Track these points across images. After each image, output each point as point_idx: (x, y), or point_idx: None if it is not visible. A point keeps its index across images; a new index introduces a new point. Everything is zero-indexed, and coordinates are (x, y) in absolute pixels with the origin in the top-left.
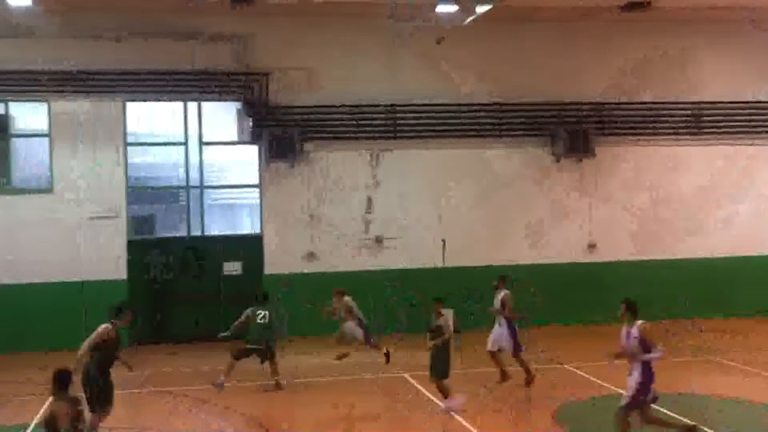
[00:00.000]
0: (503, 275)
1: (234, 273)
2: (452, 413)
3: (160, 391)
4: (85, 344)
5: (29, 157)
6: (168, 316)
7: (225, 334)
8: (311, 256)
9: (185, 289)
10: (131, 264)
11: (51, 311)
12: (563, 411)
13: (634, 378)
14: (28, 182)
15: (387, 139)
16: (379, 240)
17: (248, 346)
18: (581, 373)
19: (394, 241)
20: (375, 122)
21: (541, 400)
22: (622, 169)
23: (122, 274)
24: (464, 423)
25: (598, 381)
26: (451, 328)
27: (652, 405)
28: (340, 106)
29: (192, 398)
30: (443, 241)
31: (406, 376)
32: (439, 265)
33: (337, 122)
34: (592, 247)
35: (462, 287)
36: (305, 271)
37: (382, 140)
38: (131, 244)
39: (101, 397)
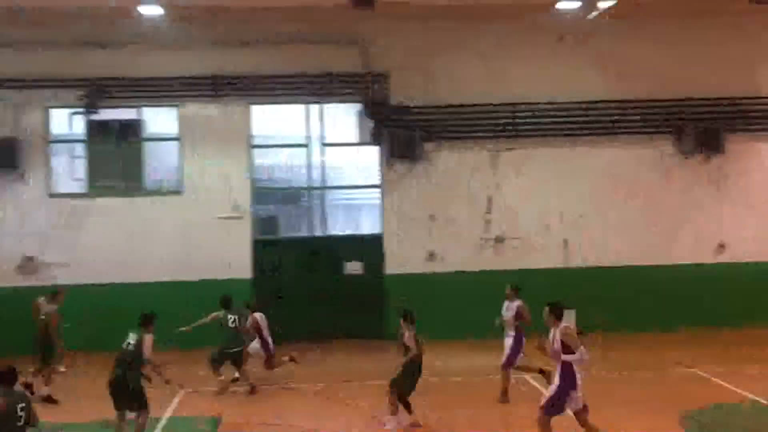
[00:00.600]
0: (516, 287)
1: (355, 273)
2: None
3: (287, 389)
4: None
5: (160, 161)
6: (291, 315)
7: (184, 329)
8: (431, 256)
9: (308, 289)
10: (256, 263)
11: (181, 310)
12: (691, 416)
13: (554, 381)
14: (159, 185)
15: (507, 138)
16: (499, 240)
17: (225, 350)
18: (715, 379)
19: (515, 241)
20: (495, 121)
21: (669, 404)
22: (753, 167)
23: (248, 273)
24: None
25: (731, 387)
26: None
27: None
28: (460, 106)
29: (316, 395)
30: (565, 241)
31: (527, 377)
32: (561, 265)
33: (458, 122)
34: (721, 247)
35: (584, 288)
36: (425, 271)
37: (502, 139)
38: (256, 244)
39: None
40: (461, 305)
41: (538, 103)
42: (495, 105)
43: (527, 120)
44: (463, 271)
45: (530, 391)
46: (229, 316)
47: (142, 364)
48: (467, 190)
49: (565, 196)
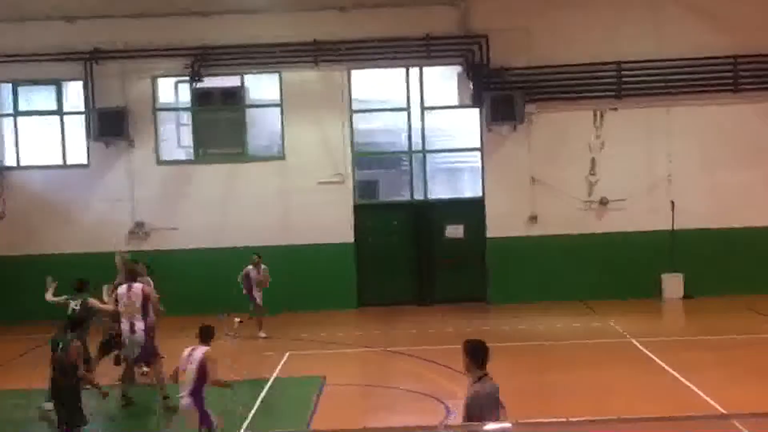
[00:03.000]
0: None
1: (456, 237)
2: None
3: (391, 351)
4: None
5: (262, 127)
6: (393, 279)
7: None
8: (533, 219)
9: (409, 253)
10: (357, 228)
11: (283, 274)
12: None
13: None
14: (261, 150)
15: (611, 98)
16: (603, 202)
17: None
18: None
19: (620, 203)
20: (599, 81)
21: None
22: None
23: (349, 237)
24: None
25: None
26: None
27: None
28: (562, 66)
29: (417, 358)
30: (672, 203)
31: (634, 341)
32: (668, 228)
33: (560, 82)
34: None
35: (692, 251)
36: (528, 234)
37: (606, 99)
38: (357, 209)
39: None
40: (564, 268)
41: (645, 61)
42: (599, 63)
43: (633, 78)
44: (566, 234)
45: (633, 353)
46: (72, 300)
47: None
48: (570, 152)
49: (673, 156)
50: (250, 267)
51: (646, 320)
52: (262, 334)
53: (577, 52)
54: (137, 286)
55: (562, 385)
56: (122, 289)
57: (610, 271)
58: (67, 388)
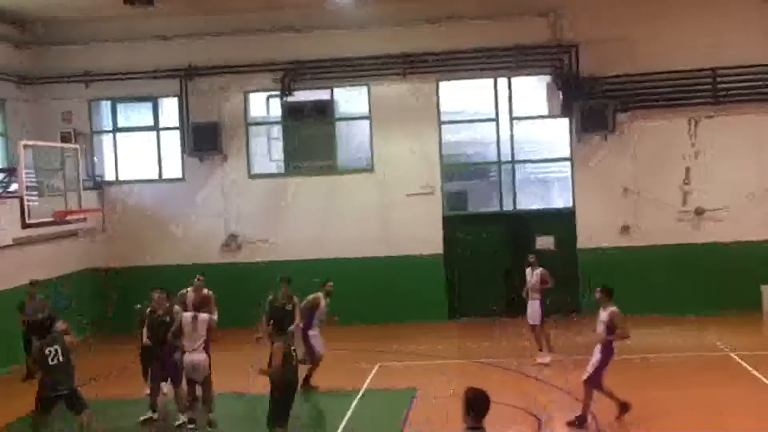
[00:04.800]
0: (534, 256)
1: (547, 248)
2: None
3: (486, 364)
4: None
5: (352, 139)
6: (483, 291)
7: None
8: (625, 229)
9: (499, 264)
10: (447, 239)
11: (372, 286)
12: None
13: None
14: (351, 163)
15: (707, 105)
16: (699, 212)
17: (50, 394)
18: None
19: (717, 213)
20: (693, 88)
21: None
22: None
23: (439, 249)
24: None
25: None
26: None
27: None
28: (655, 74)
29: (508, 370)
30: None
31: (732, 355)
32: (766, 237)
33: (653, 91)
34: None
35: None
36: (620, 245)
37: (701, 107)
38: (446, 220)
39: None
40: (657, 280)
41: (741, 66)
42: (694, 71)
43: (730, 85)
44: (660, 245)
45: (732, 368)
46: (48, 348)
47: None
48: (663, 161)
49: None
50: (189, 290)
51: (745, 333)
52: None
53: (671, 60)
54: (203, 317)
55: (662, 402)
56: (187, 317)
57: (707, 282)
58: None
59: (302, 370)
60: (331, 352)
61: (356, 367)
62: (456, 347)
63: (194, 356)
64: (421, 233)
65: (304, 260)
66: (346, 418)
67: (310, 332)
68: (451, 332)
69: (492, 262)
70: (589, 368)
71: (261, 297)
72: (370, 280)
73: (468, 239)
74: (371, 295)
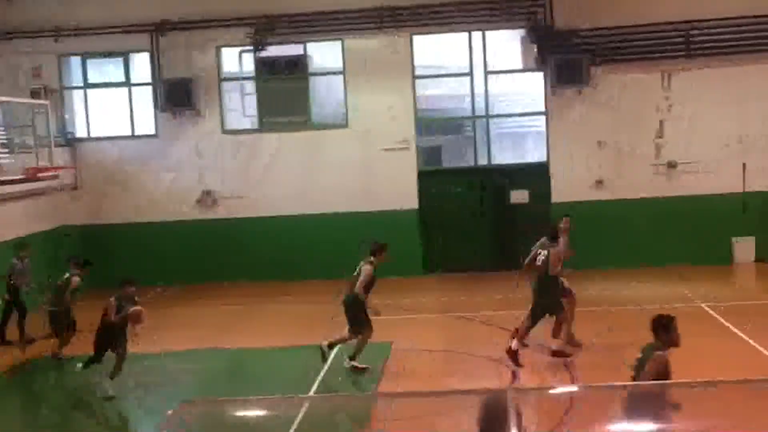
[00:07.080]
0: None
1: (521, 202)
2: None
3: (460, 317)
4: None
5: (326, 94)
6: (457, 245)
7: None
8: (599, 183)
9: (473, 218)
10: (422, 194)
11: (347, 241)
12: None
13: None
14: (325, 118)
15: (681, 57)
16: (672, 165)
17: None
18: None
19: (689, 166)
20: (668, 41)
21: None
22: None
23: (414, 203)
24: None
25: None
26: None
27: None
28: (629, 27)
29: (484, 324)
30: (743, 165)
31: (704, 306)
32: (739, 191)
33: (627, 44)
34: None
35: (765, 213)
36: (594, 198)
37: (674, 60)
38: (421, 175)
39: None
40: (631, 233)
41: (716, 19)
42: (667, 23)
43: (703, 38)
44: (633, 199)
45: (706, 320)
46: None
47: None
48: (636, 115)
49: (744, 117)
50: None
51: (716, 284)
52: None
53: (644, 13)
54: None
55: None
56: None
57: (680, 235)
58: None
59: None
60: (308, 307)
61: (333, 322)
62: (433, 300)
63: None
64: (397, 188)
65: (279, 216)
66: (322, 372)
67: None
68: (426, 285)
69: (466, 217)
70: None
71: (240, 251)
72: (346, 234)
73: (442, 194)
74: (347, 249)
